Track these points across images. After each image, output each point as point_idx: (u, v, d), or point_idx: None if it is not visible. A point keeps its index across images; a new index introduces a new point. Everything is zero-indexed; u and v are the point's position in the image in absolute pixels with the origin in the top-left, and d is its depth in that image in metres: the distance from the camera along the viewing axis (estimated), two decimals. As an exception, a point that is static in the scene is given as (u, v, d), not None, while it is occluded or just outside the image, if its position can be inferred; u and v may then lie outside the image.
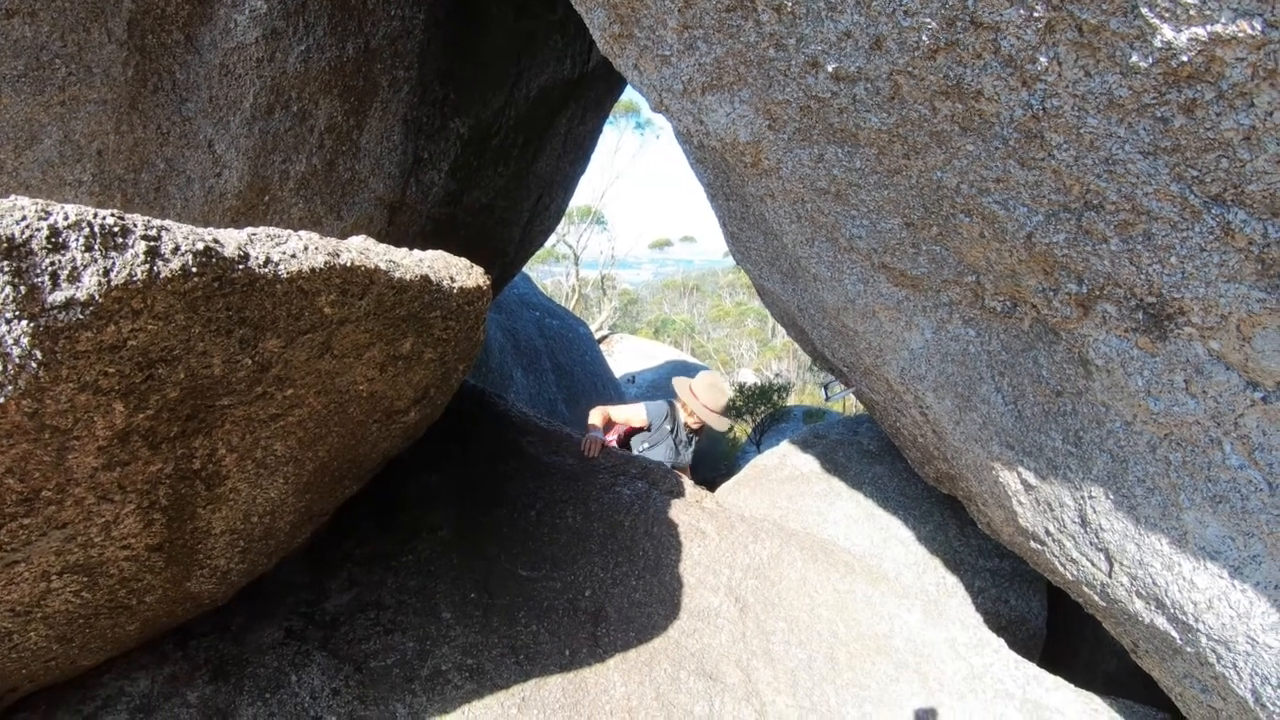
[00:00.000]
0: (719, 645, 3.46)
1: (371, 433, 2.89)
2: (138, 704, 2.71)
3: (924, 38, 1.80)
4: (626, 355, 16.90)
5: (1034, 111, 1.75)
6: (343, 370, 2.34)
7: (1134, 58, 1.50)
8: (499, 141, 5.29)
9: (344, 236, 3.34)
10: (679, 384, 5.51)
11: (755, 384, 15.13)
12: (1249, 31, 1.33)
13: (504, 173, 5.61)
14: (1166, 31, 1.41)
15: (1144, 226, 1.77)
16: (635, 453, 5.44)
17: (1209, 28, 1.36)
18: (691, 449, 5.57)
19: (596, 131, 7.23)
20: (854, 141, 2.26)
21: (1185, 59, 1.43)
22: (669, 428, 5.39)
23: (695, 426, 5.45)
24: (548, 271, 30.52)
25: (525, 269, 13.41)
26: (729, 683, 3.30)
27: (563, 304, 18.66)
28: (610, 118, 7.70)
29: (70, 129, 3.26)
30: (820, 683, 3.35)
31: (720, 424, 5.38)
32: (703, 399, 5.25)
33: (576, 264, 27.23)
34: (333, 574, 3.49)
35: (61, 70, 3.13)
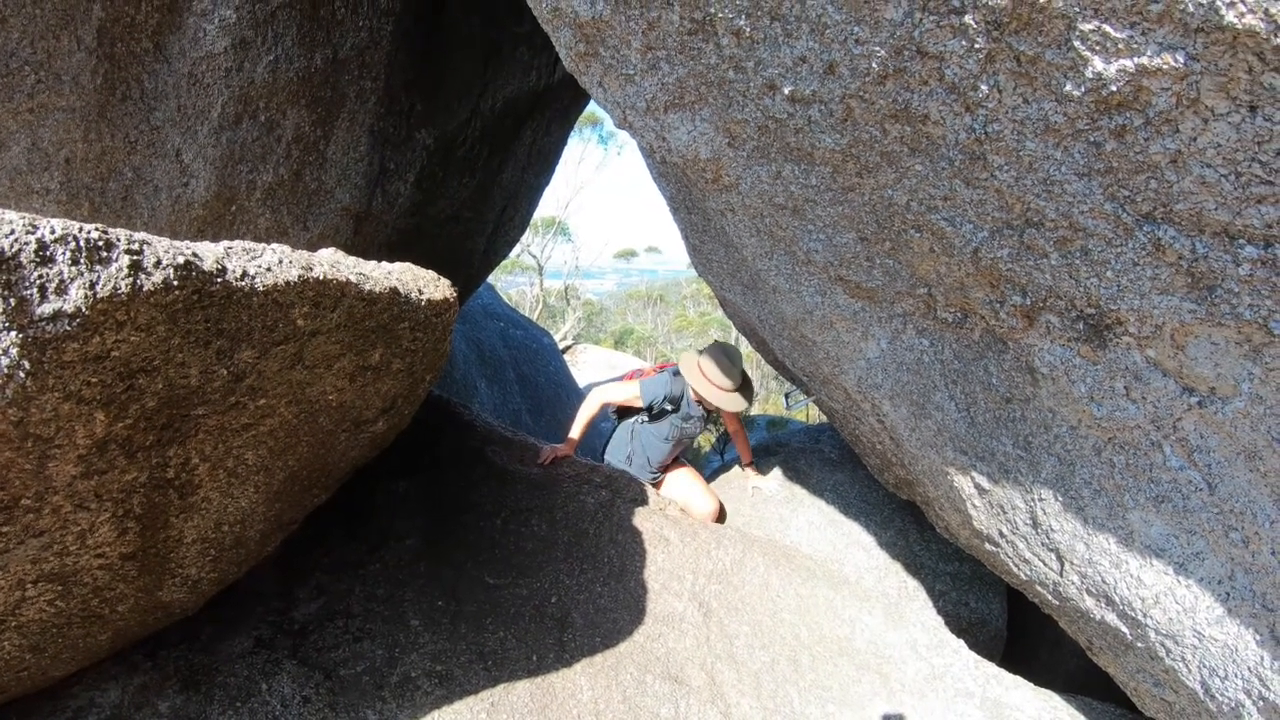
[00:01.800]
0: (684, 649, 3.51)
1: (340, 442, 2.91)
2: (109, 714, 2.71)
3: (874, 65, 1.88)
4: (591, 366, 16.89)
5: (977, 135, 1.84)
6: (313, 380, 2.38)
7: (1068, 87, 1.59)
8: (465, 152, 5.31)
9: (311, 247, 3.36)
10: (686, 360, 5.08)
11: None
12: (1172, 64, 1.42)
13: (469, 184, 5.63)
14: (1097, 63, 1.51)
15: (1081, 242, 1.86)
16: (632, 427, 5.30)
17: (1136, 60, 1.46)
18: (703, 428, 5.32)
19: (561, 143, 7.26)
20: (810, 160, 2.34)
21: (1115, 88, 1.52)
22: (670, 408, 5.12)
23: (710, 406, 5.06)
24: (512, 282, 30.43)
25: (489, 279, 13.39)
26: (694, 685, 3.35)
27: (527, 314, 18.61)
28: (575, 129, 7.73)
29: (38, 137, 3.25)
30: (784, 684, 3.41)
31: (732, 404, 4.96)
32: (712, 377, 4.87)
33: (541, 274, 27.21)
34: (301, 582, 3.50)
35: (30, 77, 3.13)
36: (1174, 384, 1.93)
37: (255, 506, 2.69)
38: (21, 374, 1.46)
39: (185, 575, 2.64)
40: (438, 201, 5.31)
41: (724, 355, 4.95)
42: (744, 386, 5.01)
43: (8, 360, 1.43)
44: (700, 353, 5.07)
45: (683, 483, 5.35)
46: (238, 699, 2.89)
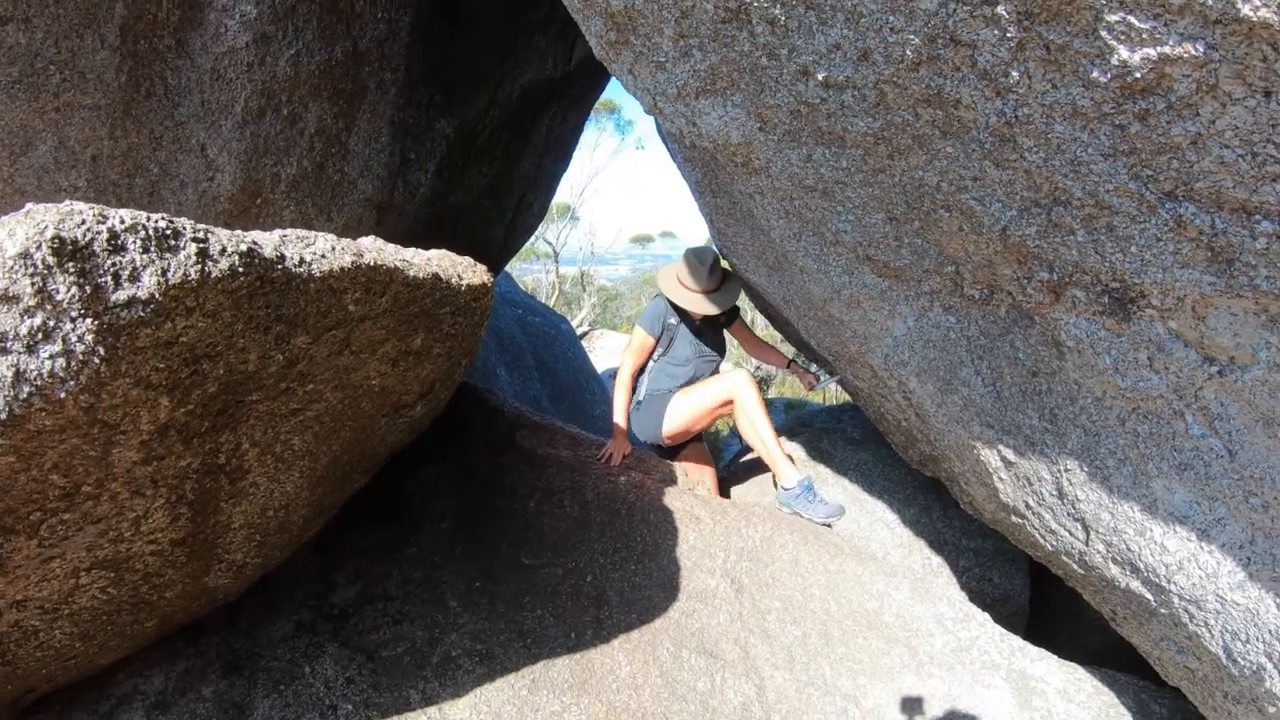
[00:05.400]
0: (718, 625, 3.59)
1: (380, 426, 2.99)
2: (153, 701, 2.77)
3: (908, 52, 1.94)
4: (609, 352, 16.90)
5: (1007, 118, 1.90)
6: (358, 365, 2.45)
7: (1095, 73, 1.66)
8: (484, 141, 5.36)
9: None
10: (663, 276, 4.93)
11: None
12: (1193, 53, 1.50)
13: (488, 172, 5.68)
14: (1123, 51, 1.58)
15: (1107, 220, 1.93)
16: (658, 366, 5.10)
17: (1159, 49, 1.54)
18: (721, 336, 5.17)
19: (578, 130, 7.30)
20: (841, 143, 2.40)
21: (1139, 75, 1.60)
22: (674, 320, 4.98)
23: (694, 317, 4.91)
24: (527, 269, 30.41)
25: (505, 267, 13.43)
26: (729, 660, 3.43)
27: (544, 301, 18.64)
28: (590, 117, 7.76)
29: (65, 135, 3.29)
30: (815, 657, 3.48)
31: (702, 307, 4.74)
32: (684, 281, 4.76)
33: (556, 261, 27.21)
34: (339, 567, 3.57)
35: (56, 76, 3.16)
36: (1195, 354, 1.99)
37: (300, 491, 2.76)
38: (96, 360, 1.51)
39: (231, 560, 2.71)
40: (458, 191, 5.36)
41: (694, 256, 4.80)
42: (722, 290, 4.83)
43: (83, 347, 1.48)
44: (675, 265, 4.95)
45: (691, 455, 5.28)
46: (281, 682, 2.95)
